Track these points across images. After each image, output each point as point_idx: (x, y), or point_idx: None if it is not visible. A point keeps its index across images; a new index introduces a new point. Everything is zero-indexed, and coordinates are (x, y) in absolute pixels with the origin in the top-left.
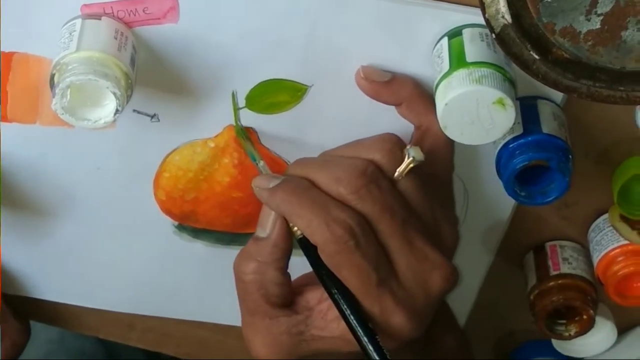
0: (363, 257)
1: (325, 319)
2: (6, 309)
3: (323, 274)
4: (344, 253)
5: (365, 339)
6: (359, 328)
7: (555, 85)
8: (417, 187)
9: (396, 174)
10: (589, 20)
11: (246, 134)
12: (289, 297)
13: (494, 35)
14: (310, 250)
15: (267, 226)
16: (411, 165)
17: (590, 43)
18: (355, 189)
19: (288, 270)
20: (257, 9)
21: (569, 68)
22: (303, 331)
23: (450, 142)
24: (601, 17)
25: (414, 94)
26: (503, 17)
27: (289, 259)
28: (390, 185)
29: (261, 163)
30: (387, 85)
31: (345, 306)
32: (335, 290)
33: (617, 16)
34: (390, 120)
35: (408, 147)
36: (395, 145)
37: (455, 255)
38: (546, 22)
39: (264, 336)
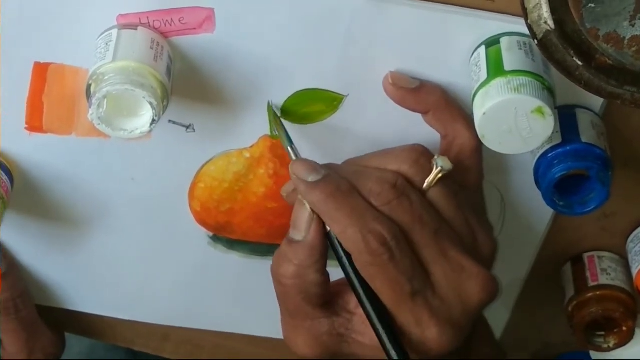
0: (397, 270)
1: (367, 325)
2: (41, 321)
3: (355, 282)
4: (378, 265)
5: (393, 353)
6: (385, 338)
7: (599, 92)
8: (447, 196)
9: (425, 184)
10: (633, 25)
11: (277, 115)
12: (328, 296)
13: (536, 42)
14: (343, 254)
15: (302, 228)
16: (439, 175)
17: (634, 49)
18: (387, 201)
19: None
20: (293, 18)
21: (613, 74)
22: (344, 334)
23: (478, 150)
24: None
25: (441, 103)
26: (546, 22)
27: (327, 258)
28: (420, 196)
29: (292, 147)
30: (415, 92)
31: (373, 316)
32: (366, 301)
33: None
34: (426, 130)
35: (436, 157)
36: (422, 155)
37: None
38: (589, 27)
39: (306, 337)
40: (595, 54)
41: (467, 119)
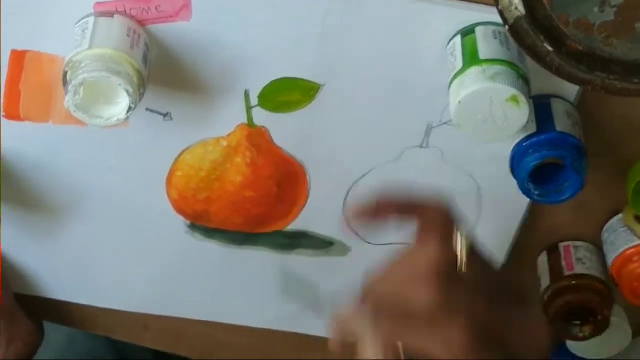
0: None
1: None
2: (19, 309)
3: None
4: None
5: None
6: None
7: (569, 78)
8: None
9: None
10: (602, 11)
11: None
12: None
13: (507, 27)
14: None
15: None
16: (465, 254)
17: (604, 35)
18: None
19: None
20: (269, 7)
21: (583, 60)
22: None
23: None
24: (615, 9)
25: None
26: (516, 8)
27: None
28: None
29: None
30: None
31: None
32: None
33: (631, 7)
34: (401, 119)
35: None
36: (445, 266)
37: None
38: (560, 13)
39: None
40: (565, 39)
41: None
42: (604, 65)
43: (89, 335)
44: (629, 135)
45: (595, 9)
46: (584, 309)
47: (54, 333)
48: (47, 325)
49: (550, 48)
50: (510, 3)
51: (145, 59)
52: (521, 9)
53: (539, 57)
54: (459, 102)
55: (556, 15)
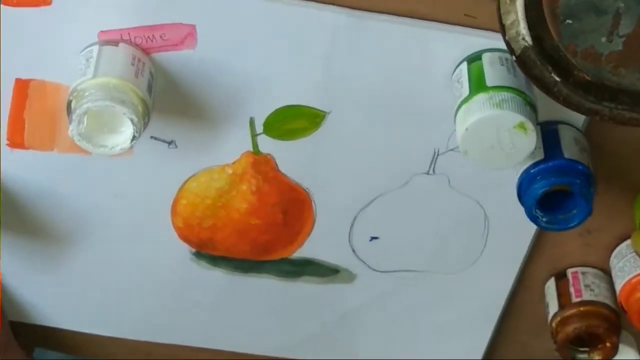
0: None
1: None
2: (13, 339)
3: None
4: None
5: None
6: None
7: (577, 108)
8: None
9: None
10: (610, 41)
11: None
12: None
13: (514, 58)
14: None
15: None
16: None
17: (612, 65)
18: None
19: None
20: (275, 35)
21: (591, 90)
22: None
23: None
24: (623, 39)
25: None
26: (524, 39)
27: None
28: None
29: None
30: None
31: None
32: None
33: (639, 37)
34: (407, 145)
35: None
36: None
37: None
38: (567, 44)
39: None
40: (573, 70)
41: None
42: (612, 95)
43: None
44: (637, 162)
45: (604, 39)
46: (593, 335)
47: None
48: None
49: (557, 78)
50: (518, 34)
51: (150, 87)
52: (528, 40)
53: (546, 87)
54: (466, 129)
55: (564, 45)
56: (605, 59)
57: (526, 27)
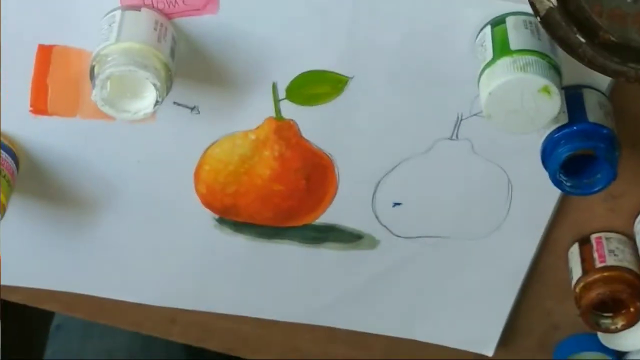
0: None
1: None
2: None
3: None
4: None
5: None
6: None
7: (603, 70)
8: None
9: None
10: (636, 2)
11: None
12: None
13: (538, 19)
14: None
15: None
16: None
17: (638, 25)
18: None
19: None
20: (297, 0)
21: (617, 52)
22: None
23: None
24: None
25: None
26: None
27: None
28: None
29: None
30: None
31: None
32: None
33: None
34: (431, 111)
35: None
36: None
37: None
38: (593, 4)
39: None
40: (598, 30)
41: None
42: (638, 56)
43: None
44: None
45: (630, 0)
46: (617, 301)
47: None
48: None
49: (582, 40)
50: None
51: (172, 52)
52: (553, 1)
53: (571, 49)
54: (490, 93)
55: (589, 6)
56: (632, 20)
57: None
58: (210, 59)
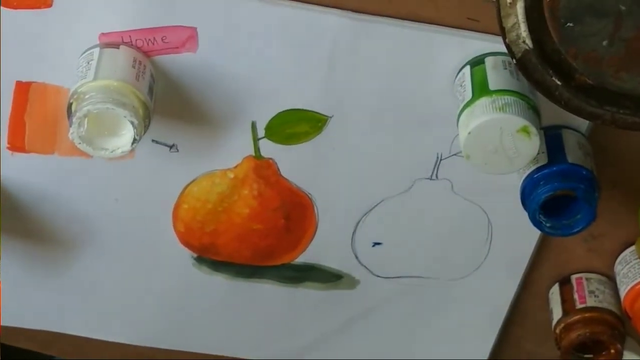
0: None
1: None
2: None
3: None
4: None
5: None
6: None
7: (579, 112)
8: None
9: None
10: (612, 45)
11: None
12: None
13: (514, 61)
14: None
15: None
16: None
17: (613, 69)
18: None
19: None
20: (277, 38)
21: (592, 94)
22: None
23: None
24: (624, 42)
25: None
26: (524, 42)
27: None
28: None
29: None
30: None
31: None
32: None
33: None
34: (410, 150)
35: None
36: None
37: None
38: (568, 47)
39: None
40: (574, 73)
41: None
42: (614, 99)
43: None
44: None
45: (605, 43)
46: (597, 342)
47: None
48: None
49: (558, 82)
50: (518, 37)
51: (151, 90)
52: (529, 43)
53: (547, 91)
54: (469, 133)
55: (565, 49)
56: (607, 63)
57: (527, 30)
58: (189, 97)
